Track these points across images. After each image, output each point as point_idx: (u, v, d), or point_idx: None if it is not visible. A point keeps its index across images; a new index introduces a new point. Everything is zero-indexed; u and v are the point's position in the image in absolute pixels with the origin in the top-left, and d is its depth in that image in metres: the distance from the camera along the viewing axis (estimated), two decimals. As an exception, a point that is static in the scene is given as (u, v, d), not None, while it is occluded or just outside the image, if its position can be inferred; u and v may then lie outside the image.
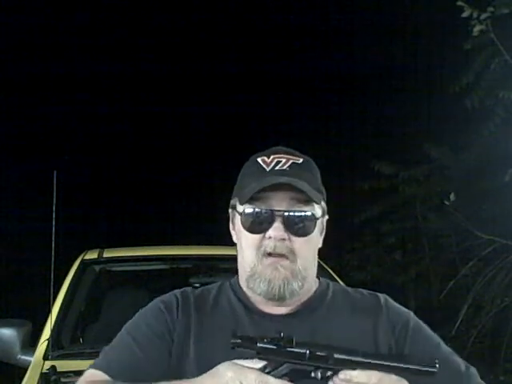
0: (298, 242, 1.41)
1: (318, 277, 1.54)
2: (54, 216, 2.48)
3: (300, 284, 1.41)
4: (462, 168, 6.36)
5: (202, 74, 9.34)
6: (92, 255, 3.46)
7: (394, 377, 1.27)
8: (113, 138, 9.32)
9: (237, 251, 1.51)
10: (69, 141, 8.91)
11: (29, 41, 8.81)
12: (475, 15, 4.76)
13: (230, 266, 3.60)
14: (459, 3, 4.77)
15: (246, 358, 1.28)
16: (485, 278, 5.41)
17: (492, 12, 4.76)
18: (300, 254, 1.41)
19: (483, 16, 4.75)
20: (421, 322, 1.50)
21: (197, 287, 1.56)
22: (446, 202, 5.45)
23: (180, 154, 9.41)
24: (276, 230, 1.39)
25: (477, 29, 4.78)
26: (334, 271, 3.38)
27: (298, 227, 1.40)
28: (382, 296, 1.52)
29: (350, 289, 1.57)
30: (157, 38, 9.27)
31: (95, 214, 8.85)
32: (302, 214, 1.41)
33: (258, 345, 1.23)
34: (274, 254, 1.39)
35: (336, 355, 1.25)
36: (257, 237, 1.41)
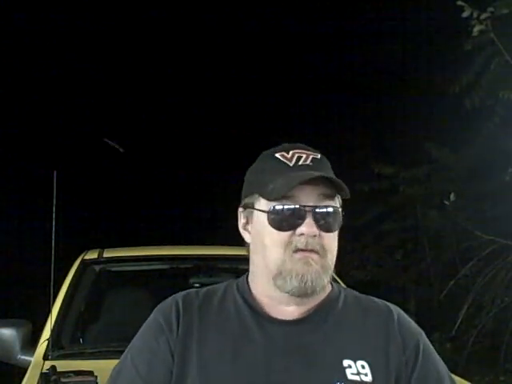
0: (327, 238, 1.39)
1: (330, 282, 1.50)
2: (54, 216, 2.48)
3: (328, 278, 1.40)
4: (462, 168, 6.36)
5: (206, 76, 9.34)
6: (92, 255, 3.45)
7: None
8: (113, 138, 9.32)
9: (248, 251, 1.47)
10: (69, 141, 8.91)
11: (29, 40, 8.82)
12: (475, 15, 4.75)
13: (229, 266, 3.61)
14: (459, 3, 4.77)
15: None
16: (485, 278, 5.41)
17: (492, 12, 4.75)
18: (329, 249, 1.39)
19: (483, 16, 4.74)
20: (429, 345, 1.47)
21: (197, 287, 1.54)
22: (446, 202, 5.45)
23: (180, 154, 9.41)
24: (308, 226, 1.36)
25: (477, 29, 4.77)
26: (333, 271, 3.37)
27: (327, 223, 1.38)
28: (394, 308, 1.48)
29: (362, 296, 1.53)
30: (158, 38, 9.27)
31: (95, 214, 8.85)
32: (331, 209, 1.39)
33: None
34: (304, 250, 1.36)
35: None
36: (286, 234, 1.37)
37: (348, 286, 2.81)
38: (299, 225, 1.36)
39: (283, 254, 1.37)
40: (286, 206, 1.37)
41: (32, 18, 8.74)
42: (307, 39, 8.80)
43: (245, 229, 1.47)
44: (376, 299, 1.51)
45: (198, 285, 3.50)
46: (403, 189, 6.75)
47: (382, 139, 7.48)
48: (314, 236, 1.36)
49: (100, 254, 3.45)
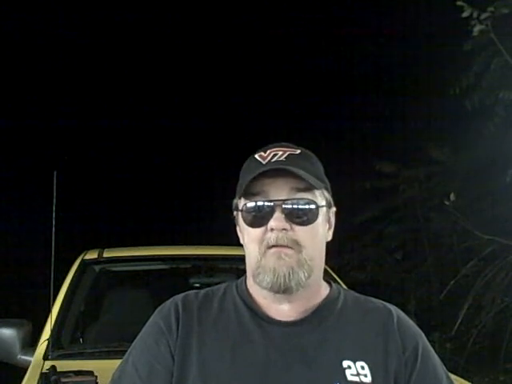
0: (302, 232, 1.36)
1: (329, 282, 1.50)
2: (53, 216, 2.48)
3: (306, 274, 1.35)
4: (462, 168, 6.37)
5: (203, 74, 9.34)
6: (92, 255, 3.46)
7: None
8: (113, 138, 9.34)
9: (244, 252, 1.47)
10: (69, 141, 8.91)
11: (29, 40, 8.82)
12: (475, 15, 4.76)
13: (229, 265, 3.61)
14: (459, 3, 4.77)
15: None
16: (485, 278, 5.42)
17: (492, 12, 4.76)
18: (305, 244, 1.36)
19: (483, 16, 4.75)
20: (429, 346, 1.46)
21: (197, 287, 1.54)
22: (447, 202, 5.45)
23: (180, 154, 9.41)
24: (276, 220, 1.34)
25: (477, 29, 4.78)
26: (333, 271, 3.38)
27: (299, 216, 1.36)
28: (393, 309, 1.47)
29: (361, 297, 1.51)
30: (158, 36, 9.28)
31: (95, 214, 8.85)
32: (303, 201, 1.36)
33: None
34: (277, 245, 1.35)
35: None
36: (259, 230, 1.37)
37: (348, 286, 2.82)
38: (269, 220, 1.35)
39: (258, 250, 1.36)
40: (249, 204, 1.37)
41: (32, 16, 8.74)
42: (307, 39, 8.81)
43: (240, 231, 1.47)
44: (376, 300, 1.50)
45: (197, 285, 3.50)
46: (403, 189, 6.76)
47: (383, 139, 7.48)
48: (284, 230, 1.35)
49: (100, 254, 3.45)
